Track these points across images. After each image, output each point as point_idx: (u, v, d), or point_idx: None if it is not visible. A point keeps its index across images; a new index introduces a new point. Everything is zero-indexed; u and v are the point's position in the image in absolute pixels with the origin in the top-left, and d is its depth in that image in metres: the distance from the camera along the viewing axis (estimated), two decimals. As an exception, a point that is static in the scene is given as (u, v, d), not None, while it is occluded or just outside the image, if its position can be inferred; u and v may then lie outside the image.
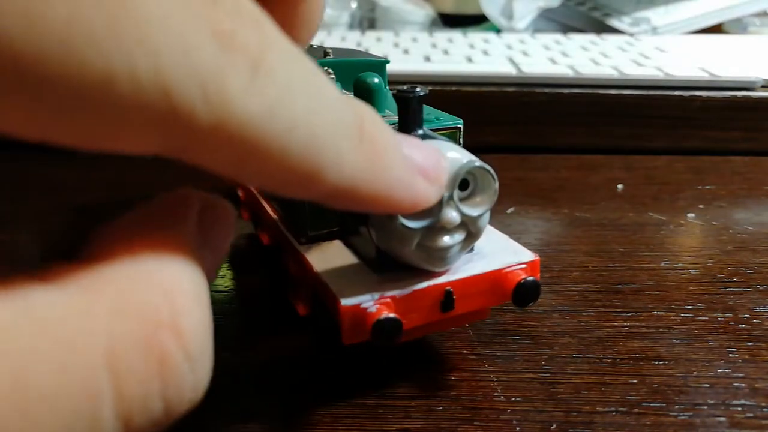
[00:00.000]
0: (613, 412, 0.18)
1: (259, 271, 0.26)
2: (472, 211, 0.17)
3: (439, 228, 0.17)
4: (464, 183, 0.17)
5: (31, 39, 0.08)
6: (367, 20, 0.68)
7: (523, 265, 0.18)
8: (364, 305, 0.17)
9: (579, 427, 0.17)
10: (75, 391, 0.09)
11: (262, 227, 0.26)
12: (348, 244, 0.20)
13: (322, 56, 0.24)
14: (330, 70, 0.23)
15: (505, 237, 0.20)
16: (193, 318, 0.10)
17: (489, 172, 0.17)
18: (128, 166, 0.37)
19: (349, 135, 0.12)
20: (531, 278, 0.18)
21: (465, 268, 0.18)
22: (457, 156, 0.17)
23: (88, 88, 0.08)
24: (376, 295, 0.17)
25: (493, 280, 0.18)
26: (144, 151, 0.10)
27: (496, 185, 0.17)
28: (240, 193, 0.28)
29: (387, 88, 0.22)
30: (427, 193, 0.15)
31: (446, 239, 0.17)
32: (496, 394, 0.19)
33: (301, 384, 0.19)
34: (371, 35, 0.53)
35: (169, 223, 0.11)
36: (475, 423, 0.18)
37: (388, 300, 0.17)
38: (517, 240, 0.20)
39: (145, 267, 0.10)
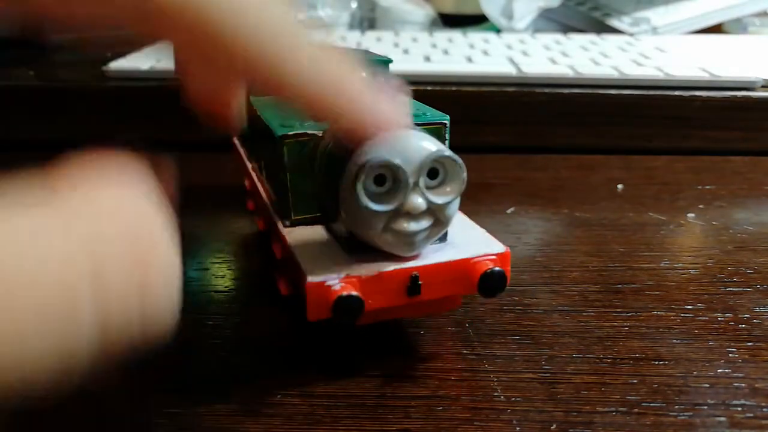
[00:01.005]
0: (613, 412, 0.18)
1: (259, 271, 0.26)
2: (438, 199, 0.18)
3: (404, 213, 0.17)
4: (434, 172, 0.18)
5: None
6: (367, 20, 0.68)
7: (493, 256, 0.19)
8: (328, 283, 0.17)
9: (579, 427, 0.17)
10: (54, 283, 0.09)
11: (259, 213, 0.26)
12: (328, 229, 0.20)
13: None
14: None
15: (482, 231, 0.20)
16: (167, 237, 0.11)
17: (456, 161, 0.17)
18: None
19: (305, 39, 0.14)
20: (497, 268, 0.18)
21: (434, 255, 0.19)
22: (425, 144, 0.17)
23: None
24: (342, 274, 0.17)
25: (460, 268, 0.18)
26: (119, 18, 0.12)
27: (464, 174, 0.18)
28: (246, 182, 0.28)
29: None
30: (393, 112, 0.15)
31: (412, 225, 0.17)
32: (496, 394, 0.19)
33: (302, 384, 0.19)
34: (371, 35, 0.53)
35: (130, 164, 0.12)
36: (475, 423, 0.18)
37: (354, 279, 0.17)
38: (517, 240, 0.20)
39: (118, 192, 0.11)
